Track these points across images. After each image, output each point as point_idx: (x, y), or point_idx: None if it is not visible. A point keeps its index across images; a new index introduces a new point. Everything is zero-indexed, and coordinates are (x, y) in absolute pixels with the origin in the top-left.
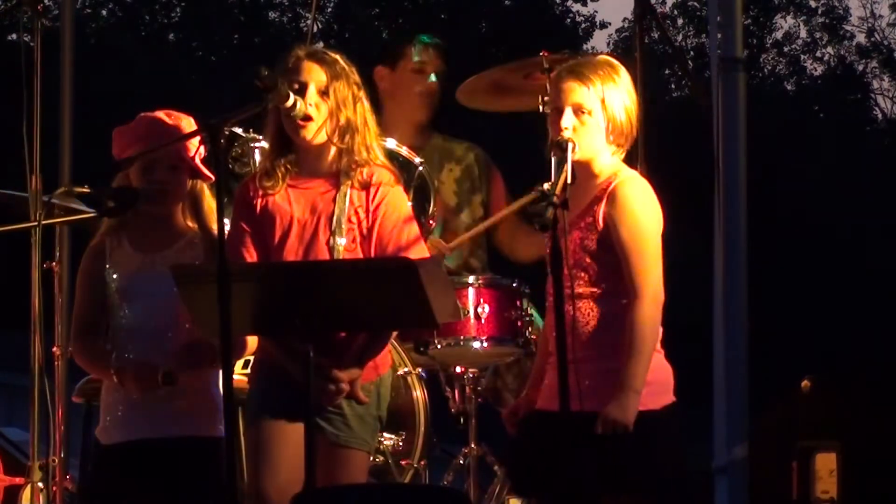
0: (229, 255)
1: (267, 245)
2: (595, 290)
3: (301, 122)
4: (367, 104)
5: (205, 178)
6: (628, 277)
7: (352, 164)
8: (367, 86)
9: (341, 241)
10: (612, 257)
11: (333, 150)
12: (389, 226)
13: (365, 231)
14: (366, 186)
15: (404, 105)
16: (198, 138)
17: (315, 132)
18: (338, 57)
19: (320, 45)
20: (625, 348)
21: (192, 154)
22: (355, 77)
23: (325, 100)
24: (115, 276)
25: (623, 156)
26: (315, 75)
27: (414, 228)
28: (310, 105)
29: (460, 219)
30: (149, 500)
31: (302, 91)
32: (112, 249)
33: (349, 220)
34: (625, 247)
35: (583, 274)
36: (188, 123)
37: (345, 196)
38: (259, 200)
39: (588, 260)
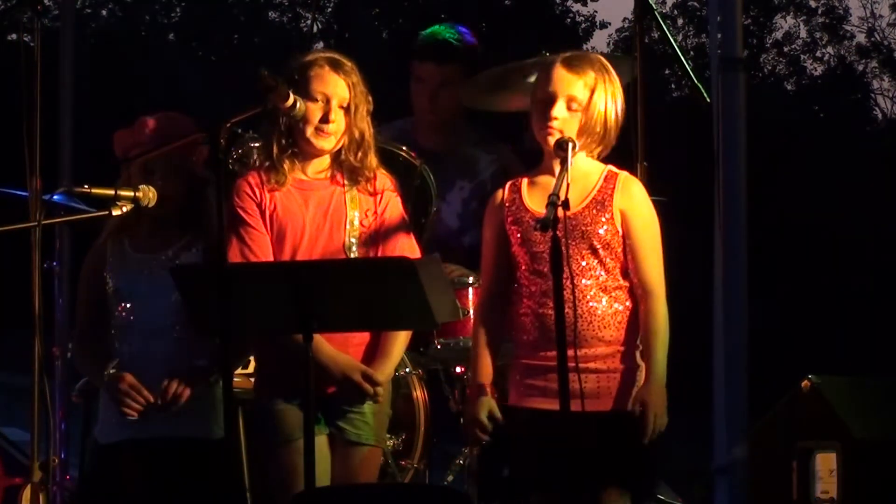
0: (236, 255)
1: (278, 246)
2: (607, 283)
3: (324, 133)
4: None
5: (205, 181)
6: (644, 273)
7: (362, 173)
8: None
9: (355, 243)
10: (622, 250)
11: (340, 153)
12: (393, 231)
13: (372, 234)
14: (373, 193)
15: (418, 109)
16: (199, 141)
17: (334, 144)
18: (354, 66)
19: (320, 44)
20: (649, 344)
21: (192, 157)
22: (364, 87)
23: (345, 114)
24: (114, 277)
25: (600, 157)
26: (339, 90)
27: (410, 234)
28: (332, 121)
29: (462, 242)
30: (146, 500)
31: (325, 103)
32: (112, 251)
33: (361, 224)
34: (642, 244)
35: (596, 265)
36: (188, 126)
37: (355, 199)
38: (266, 200)
39: (602, 251)
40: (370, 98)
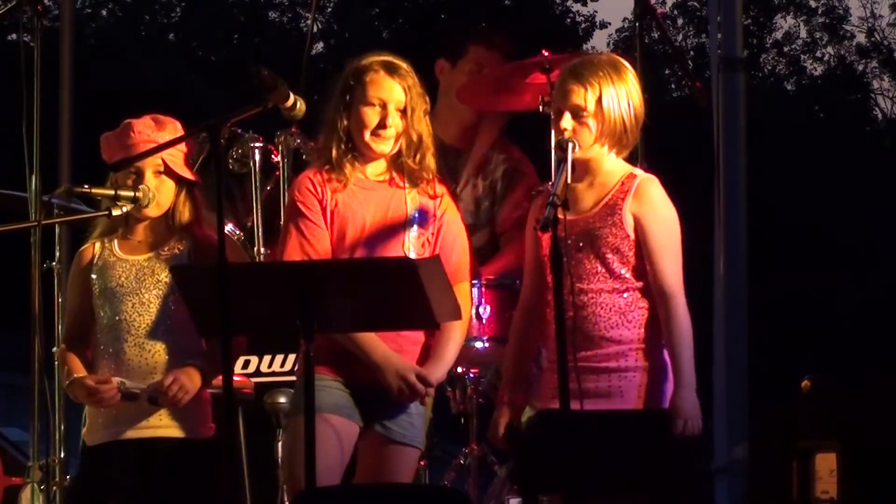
0: (295, 249)
1: (338, 243)
2: (615, 285)
3: (382, 137)
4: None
5: (192, 182)
6: (660, 276)
7: (421, 175)
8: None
9: (415, 244)
10: (634, 253)
11: (399, 155)
12: (451, 236)
13: (430, 237)
14: (432, 196)
15: (456, 103)
16: (189, 141)
17: (392, 147)
18: (409, 68)
19: (319, 44)
20: (673, 350)
21: (180, 158)
22: (420, 88)
23: (402, 118)
24: (101, 278)
25: (624, 156)
26: (396, 94)
27: (466, 239)
28: (389, 126)
29: (472, 240)
30: (133, 501)
31: (381, 108)
32: (101, 253)
33: (419, 225)
34: (659, 247)
35: (601, 269)
36: (174, 128)
37: (415, 200)
38: (328, 197)
39: (609, 256)
40: (427, 98)
